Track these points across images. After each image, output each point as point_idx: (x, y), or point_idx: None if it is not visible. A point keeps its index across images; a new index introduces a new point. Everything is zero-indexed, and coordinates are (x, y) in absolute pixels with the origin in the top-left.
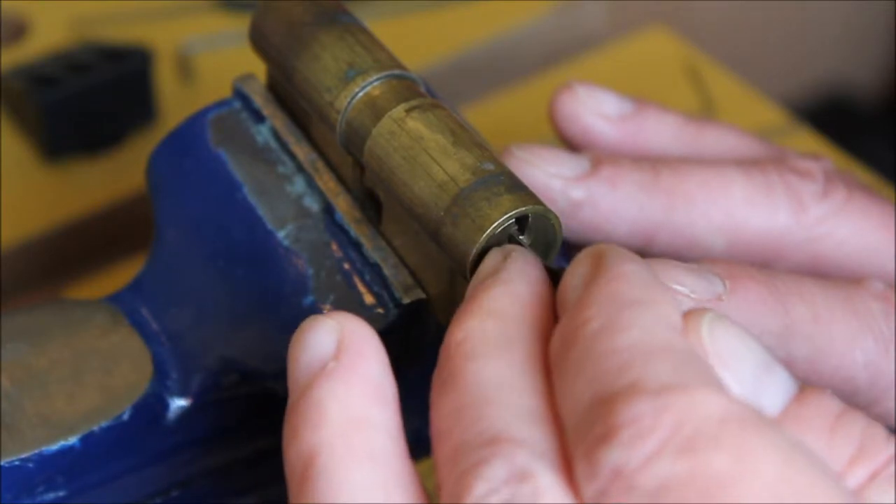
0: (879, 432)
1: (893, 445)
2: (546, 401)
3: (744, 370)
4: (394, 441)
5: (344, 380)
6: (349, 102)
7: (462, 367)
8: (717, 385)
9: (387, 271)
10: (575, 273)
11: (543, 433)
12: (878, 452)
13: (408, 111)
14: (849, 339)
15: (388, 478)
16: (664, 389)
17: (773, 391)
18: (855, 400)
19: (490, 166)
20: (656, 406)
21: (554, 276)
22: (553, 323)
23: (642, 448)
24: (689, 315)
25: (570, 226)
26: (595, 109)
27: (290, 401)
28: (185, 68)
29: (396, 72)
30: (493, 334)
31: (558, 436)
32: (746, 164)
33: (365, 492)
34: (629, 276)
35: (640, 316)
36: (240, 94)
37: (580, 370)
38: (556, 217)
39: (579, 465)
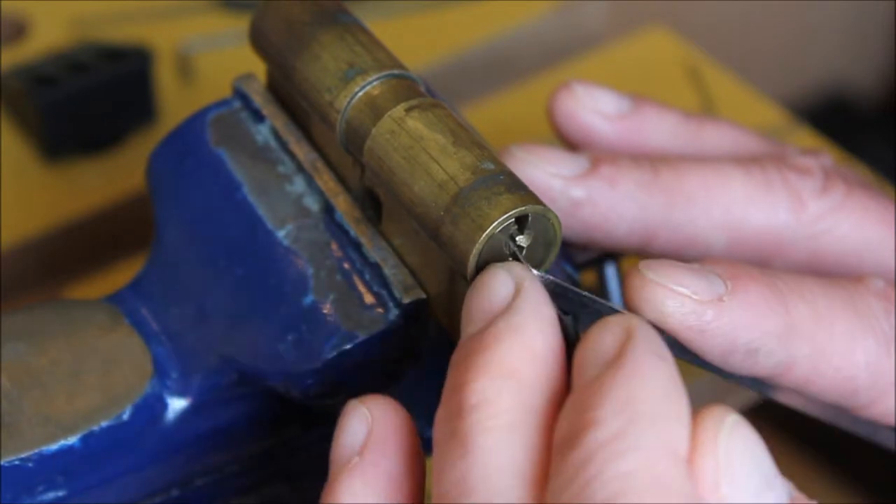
0: None
1: None
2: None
3: (749, 486)
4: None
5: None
6: (349, 102)
7: (475, 439)
8: None
9: (387, 271)
10: (600, 344)
11: None
12: None
13: (407, 111)
14: (850, 338)
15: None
16: None
17: None
18: (855, 399)
19: (490, 166)
20: None
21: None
22: (565, 377)
23: None
24: (708, 419)
25: (570, 225)
26: (593, 108)
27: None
28: (185, 68)
29: (396, 71)
30: (509, 405)
31: None
32: (746, 161)
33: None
34: (651, 378)
35: (647, 438)
36: (240, 94)
37: (574, 478)
38: (556, 216)
39: None
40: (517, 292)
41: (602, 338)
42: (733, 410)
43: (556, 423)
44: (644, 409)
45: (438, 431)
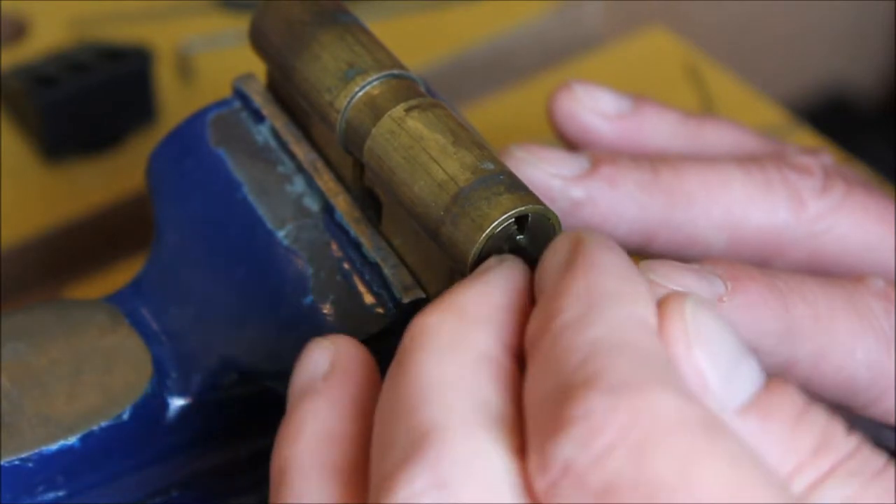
0: (840, 428)
1: (853, 441)
2: (501, 400)
3: (721, 355)
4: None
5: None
6: (349, 102)
7: (409, 361)
8: (675, 385)
9: (387, 271)
10: (553, 257)
11: (489, 435)
12: (838, 446)
13: (407, 111)
14: (850, 338)
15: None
16: (619, 387)
17: (745, 379)
18: (855, 399)
19: (490, 166)
20: (609, 404)
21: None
22: (521, 338)
23: (592, 446)
24: (671, 298)
25: (571, 225)
26: (593, 108)
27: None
28: (185, 68)
29: (396, 71)
30: (447, 329)
31: (514, 436)
32: (745, 161)
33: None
34: (607, 265)
35: (611, 311)
36: (240, 94)
37: (546, 361)
38: (556, 217)
39: (532, 458)
40: (498, 263)
41: (555, 250)
42: (692, 293)
43: (506, 368)
44: (605, 289)
45: (386, 378)
